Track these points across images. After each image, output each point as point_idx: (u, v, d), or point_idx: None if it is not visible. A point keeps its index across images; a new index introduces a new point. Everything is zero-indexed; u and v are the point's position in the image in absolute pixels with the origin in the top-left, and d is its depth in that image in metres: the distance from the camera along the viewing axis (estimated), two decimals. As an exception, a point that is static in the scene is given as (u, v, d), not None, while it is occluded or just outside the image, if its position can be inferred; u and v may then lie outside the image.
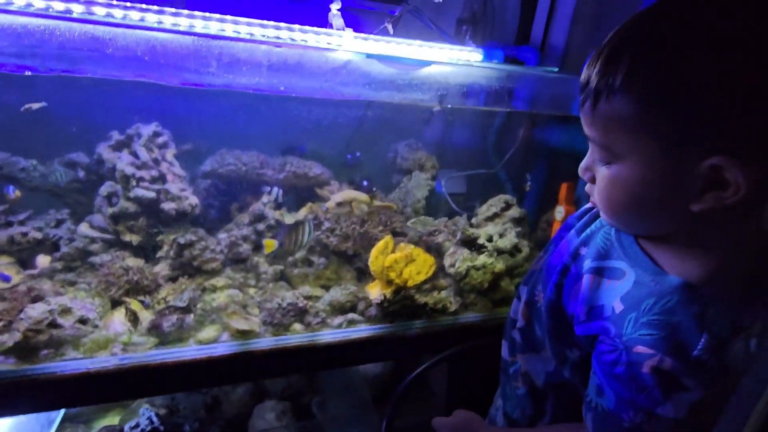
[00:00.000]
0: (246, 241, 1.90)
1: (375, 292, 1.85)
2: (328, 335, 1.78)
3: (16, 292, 1.51)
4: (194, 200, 1.80)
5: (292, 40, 1.40)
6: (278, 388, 2.60)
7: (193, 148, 1.98)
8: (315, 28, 1.53)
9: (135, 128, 1.76)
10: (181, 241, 1.74)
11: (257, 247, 1.95)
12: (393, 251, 1.82)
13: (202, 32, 1.25)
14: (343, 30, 1.71)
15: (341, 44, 1.53)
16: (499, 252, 1.95)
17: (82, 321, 1.52)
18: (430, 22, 2.12)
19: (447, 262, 1.95)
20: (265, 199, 1.92)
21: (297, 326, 1.76)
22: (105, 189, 1.74)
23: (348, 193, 1.97)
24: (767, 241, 0.77)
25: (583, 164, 0.85)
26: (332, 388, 2.69)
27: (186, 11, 1.25)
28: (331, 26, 1.79)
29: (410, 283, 1.84)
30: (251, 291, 1.88)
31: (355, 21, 1.78)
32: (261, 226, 1.92)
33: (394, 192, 2.19)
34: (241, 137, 2.01)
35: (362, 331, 1.82)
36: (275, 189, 1.80)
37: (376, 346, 1.84)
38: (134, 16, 1.20)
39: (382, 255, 1.78)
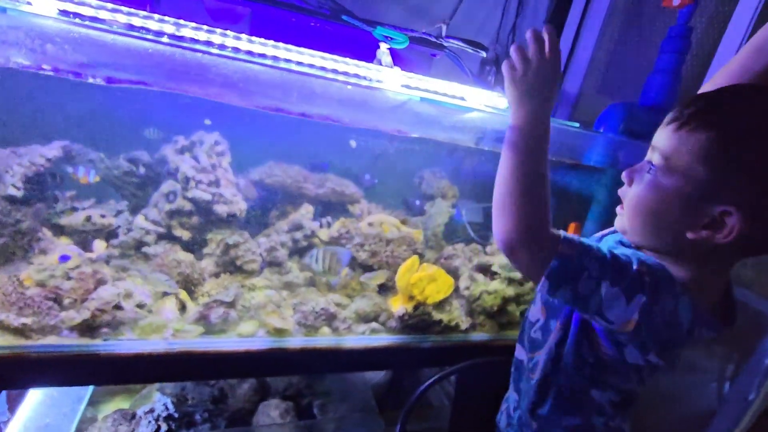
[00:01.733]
0: (283, 247, 2.09)
1: (397, 305, 2.04)
2: (352, 340, 1.96)
3: (83, 274, 1.66)
4: (243, 205, 1.98)
5: (357, 75, 1.61)
6: (281, 387, 2.74)
7: (243, 157, 2.17)
8: (375, 66, 1.75)
9: (199, 135, 1.95)
10: (230, 241, 1.92)
11: (292, 253, 2.13)
12: (418, 271, 2.03)
13: (290, 68, 1.47)
14: (392, 68, 1.95)
15: (392, 81, 1.75)
16: (510, 280, 2.17)
17: (140, 305, 1.68)
18: (464, 67, 2.37)
19: (462, 284, 2.16)
20: (303, 210, 2.11)
21: (325, 329, 1.94)
22: (166, 187, 1.91)
23: (380, 216, 2.17)
24: (727, 287, 1.03)
25: (631, 168, 1.04)
26: (332, 391, 2.83)
27: (282, 45, 1.47)
28: (380, 63, 2.03)
29: (429, 301, 2.04)
30: (284, 293, 2.05)
31: (397, 59, 2.01)
32: (298, 235, 2.10)
33: (419, 216, 2.40)
34: (287, 154, 2.21)
35: (383, 339, 2.01)
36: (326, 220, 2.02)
37: (394, 355, 2.02)
38: (232, 43, 1.41)
39: (408, 272, 1.98)
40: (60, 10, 1.35)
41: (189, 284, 1.86)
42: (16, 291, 1.50)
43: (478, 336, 2.17)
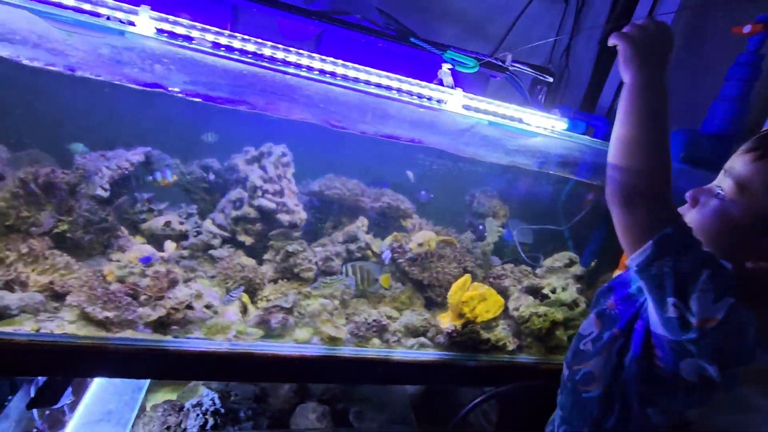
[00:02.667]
0: (337, 257, 2.15)
1: (446, 321, 2.07)
2: (400, 353, 2.00)
3: (158, 273, 1.77)
4: (304, 215, 2.07)
5: (423, 96, 1.66)
6: (318, 390, 2.80)
7: (303, 169, 2.26)
8: (442, 88, 1.80)
9: (267, 147, 2.05)
10: (290, 249, 2.00)
11: (344, 263, 2.20)
12: (469, 289, 2.05)
13: (368, 90, 1.53)
14: (453, 88, 1.99)
15: (455, 102, 1.80)
16: (560, 303, 2.16)
17: (208, 306, 1.78)
18: (524, 90, 2.39)
19: (511, 305, 2.17)
20: (359, 223, 2.18)
21: (376, 341, 1.99)
22: (234, 194, 2.01)
23: (426, 234, 2.21)
24: None
25: (698, 189, 1.05)
26: (369, 398, 2.86)
27: (362, 68, 1.54)
28: (441, 83, 2.08)
29: (479, 320, 2.05)
30: (336, 302, 2.12)
31: (457, 80, 2.05)
32: (353, 247, 2.17)
33: (466, 233, 2.42)
34: (345, 167, 2.29)
35: (430, 354, 2.03)
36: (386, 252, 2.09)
37: (440, 371, 2.05)
38: (318, 65, 1.49)
39: (460, 290, 2.01)
40: (157, 29, 1.47)
41: (251, 288, 1.95)
42: (101, 286, 1.62)
43: (524, 358, 2.17)
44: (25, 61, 1.19)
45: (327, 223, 2.28)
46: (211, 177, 2.07)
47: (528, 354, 2.17)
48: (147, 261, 1.83)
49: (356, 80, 1.55)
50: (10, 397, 2.01)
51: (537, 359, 2.17)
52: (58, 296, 1.63)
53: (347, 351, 1.93)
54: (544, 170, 1.81)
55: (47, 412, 2.11)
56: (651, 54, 1.02)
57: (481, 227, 2.31)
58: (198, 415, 2.40)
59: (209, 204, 2.13)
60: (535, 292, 2.15)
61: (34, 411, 2.02)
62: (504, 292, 2.24)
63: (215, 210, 2.09)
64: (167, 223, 1.88)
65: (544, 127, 2.00)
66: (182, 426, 2.38)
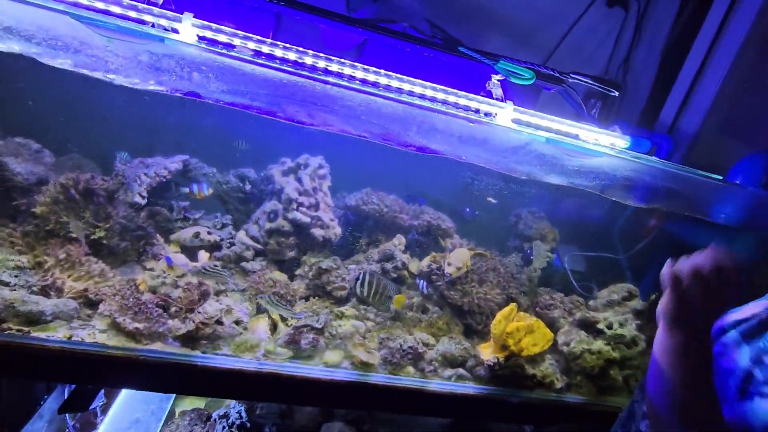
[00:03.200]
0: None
1: (488, 353, 1.90)
2: (436, 384, 1.84)
3: (190, 284, 1.73)
4: (339, 231, 1.97)
5: (471, 110, 1.52)
6: (343, 410, 2.68)
7: (340, 182, 2.18)
8: (493, 101, 1.66)
9: (304, 158, 1.97)
10: (323, 266, 1.91)
11: (380, 283, 2.08)
12: (514, 319, 1.87)
13: (414, 102, 1.42)
14: (503, 101, 1.84)
15: (506, 116, 1.65)
16: (617, 341, 1.94)
17: (237, 322, 1.71)
18: (579, 103, 2.20)
19: (561, 339, 1.97)
20: (396, 241, 2.05)
21: (410, 369, 1.85)
22: (269, 206, 1.95)
23: (461, 254, 2.04)
24: None
25: None
26: (395, 422, 2.71)
27: (407, 78, 1.43)
28: (489, 95, 1.93)
29: (524, 353, 1.87)
30: (369, 324, 2.00)
31: (507, 93, 1.90)
32: (388, 266, 2.05)
33: (509, 256, 2.25)
34: (384, 182, 2.18)
35: (469, 388, 1.87)
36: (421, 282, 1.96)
37: (479, 405, 1.87)
38: (360, 75, 1.40)
39: (505, 320, 1.84)
40: (199, 37, 1.43)
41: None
42: (133, 296, 1.59)
43: (573, 398, 1.95)
44: (67, 67, 1.17)
45: (362, 239, 2.18)
46: (248, 187, 2.02)
47: (577, 393, 1.96)
48: (169, 261, 1.79)
49: (400, 91, 1.45)
50: (45, 397, 2.03)
51: (587, 400, 1.96)
52: (91, 304, 1.61)
53: (380, 378, 1.80)
54: (607, 195, 1.62)
55: (75, 424, 2.12)
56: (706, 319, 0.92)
57: (528, 251, 2.13)
58: (224, 427, 2.34)
59: (244, 214, 2.09)
60: (588, 326, 1.94)
61: (68, 420, 2.03)
62: (553, 324, 2.05)
63: (250, 221, 2.04)
64: (196, 234, 1.83)
65: (603, 145, 1.82)
66: (208, 438, 2.34)
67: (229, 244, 1.96)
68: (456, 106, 1.61)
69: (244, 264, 1.95)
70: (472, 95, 1.66)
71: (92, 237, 1.67)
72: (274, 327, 1.83)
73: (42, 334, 1.50)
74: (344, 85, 1.34)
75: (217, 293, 1.80)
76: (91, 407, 2.16)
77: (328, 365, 1.77)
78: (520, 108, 1.73)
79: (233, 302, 1.72)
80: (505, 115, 1.66)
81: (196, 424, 2.41)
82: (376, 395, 1.79)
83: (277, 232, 1.95)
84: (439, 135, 1.46)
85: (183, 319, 1.64)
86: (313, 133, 1.96)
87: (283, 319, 1.87)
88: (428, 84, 1.56)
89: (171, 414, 2.44)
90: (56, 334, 1.51)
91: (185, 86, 1.26)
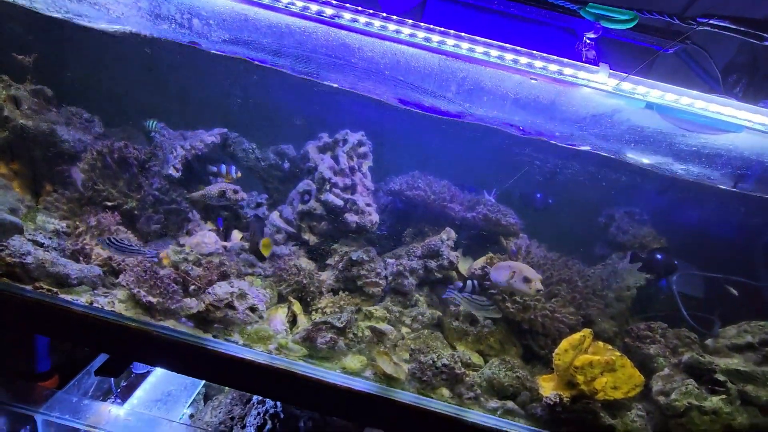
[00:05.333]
0: (412, 275, 1.74)
1: (549, 388, 1.48)
2: (476, 416, 1.48)
3: (211, 264, 1.63)
4: (375, 218, 1.71)
5: (550, 71, 1.12)
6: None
7: (382, 162, 1.91)
8: (571, 61, 1.24)
9: (343, 134, 1.75)
10: (354, 257, 1.67)
11: (422, 283, 1.77)
12: (588, 350, 1.42)
13: (452, 51, 1.08)
14: (596, 64, 1.39)
15: (597, 82, 1.21)
16: (746, 401, 1.36)
17: (252, 309, 1.56)
18: (708, 73, 1.61)
19: (657, 385, 1.45)
20: (444, 235, 1.72)
21: (445, 391, 1.52)
22: (302, 186, 1.77)
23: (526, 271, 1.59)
24: None
25: None
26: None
27: (439, 28, 1.10)
28: (579, 58, 1.48)
29: (600, 396, 1.41)
30: (404, 330, 1.71)
31: (607, 55, 1.42)
32: (432, 264, 1.73)
33: (595, 267, 1.75)
34: (434, 163, 1.84)
35: (519, 428, 1.47)
36: (469, 282, 1.59)
37: (530, 453, 1.47)
38: (384, 25, 1.09)
39: (573, 350, 1.40)
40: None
41: (305, 295, 1.67)
42: (151, 269, 1.53)
43: (669, 468, 1.43)
44: (70, 17, 1.08)
45: (407, 230, 1.88)
46: (286, 165, 1.86)
47: (677, 464, 1.43)
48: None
49: (441, 44, 1.12)
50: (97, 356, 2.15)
51: (692, 476, 1.41)
52: (115, 273, 1.60)
53: (405, 396, 1.50)
54: (746, 191, 1.09)
55: (123, 383, 2.21)
56: None
57: (621, 263, 1.62)
58: (259, 413, 2.27)
59: (282, 194, 1.93)
60: (700, 373, 1.40)
61: (112, 380, 2.12)
62: (646, 363, 1.53)
63: (286, 202, 1.88)
64: (221, 193, 1.70)
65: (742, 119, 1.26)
66: (244, 421, 2.29)
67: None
68: (526, 72, 1.23)
69: (274, 248, 1.80)
70: (549, 56, 1.26)
71: (125, 207, 1.65)
72: (293, 319, 1.64)
73: (68, 297, 1.51)
74: (362, 30, 1.07)
75: (240, 275, 1.68)
76: (139, 371, 2.25)
77: (346, 371, 1.53)
78: (619, 73, 1.28)
79: (249, 287, 1.57)
80: (597, 80, 1.24)
81: (236, 405, 2.38)
82: (401, 415, 1.50)
83: (309, 215, 1.76)
84: (486, 96, 1.10)
85: (197, 299, 1.54)
86: (370, 106, 1.70)
87: (307, 311, 1.68)
88: (484, 40, 1.21)
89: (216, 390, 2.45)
90: (80, 298, 1.51)
91: (185, 36, 1.10)
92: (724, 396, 1.37)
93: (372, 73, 1.10)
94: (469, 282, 1.58)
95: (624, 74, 1.30)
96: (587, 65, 1.30)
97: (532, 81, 1.05)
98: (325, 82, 1.17)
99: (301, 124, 1.96)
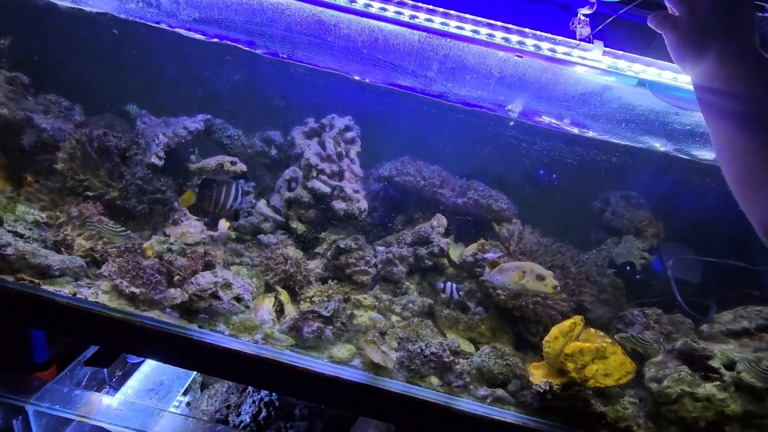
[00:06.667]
0: (402, 262, 1.70)
1: (539, 375, 1.45)
2: (465, 404, 1.46)
3: (195, 253, 1.60)
4: (364, 205, 1.67)
5: (537, 48, 1.07)
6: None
7: (372, 148, 1.86)
8: (562, 38, 1.18)
9: (330, 119, 1.70)
10: (342, 245, 1.63)
11: (412, 271, 1.74)
12: (579, 337, 1.39)
13: (432, 27, 1.02)
14: (590, 41, 1.32)
15: (590, 59, 1.16)
16: (740, 388, 1.33)
17: (238, 299, 1.54)
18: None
19: (649, 372, 1.43)
20: (435, 222, 1.68)
21: (434, 380, 1.50)
22: (288, 173, 1.73)
23: (530, 266, 1.53)
24: None
25: None
26: None
27: (424, 5, 1.03)
28: (573, 35, 1.41)
29: (590, 384, 1.38)
30: (394, 318, 1.68)
31: (606, 34, 1.35)
32: (423, 251, 1.69)
33: (589, 252, 1.71)
34: (424, 148, 1.79)
35: (509, 415, 1.45)
36: (449, 285, 1.56)
37: (521, 440, 1.45)
38: (368, 2, 1.04)
39: (563, 337, 1.37)
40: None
41: (293, 285, 1.65)
42: (134, 259, 1.50)
43: (661, 454, 1.42)
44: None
45: (397, 217, 1.84)
46: (273, 152, 1.82)
47: (669, 450, 1.41)
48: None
49: (422, 20, 1.05)
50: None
51: (684, 463, 1.40)
52: (98, 263, 1.57)
53: (393, 385, 1.48)
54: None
55: (119, 372, 2.21)
56: (733, 17, 0.73)
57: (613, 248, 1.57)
58: (254, 401, 2.28)
59: (270, 182, 1.89)
60: (693, 359, 1.37)
61: (105, 370, 2.12)
62: (639, 351, 1.50)
63: (274, 190, 1.84)
64: (220, 165, 1.65)
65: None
66: (239, 409, 2.30)
67: (246, 214, 1.79)
68: (512, 49, 1.17)
69: (261, 236, 1.77)
70: (541, 33, 1.20)
71: (106, 197, 1.62)
72: (281, 309, 1.62)
73: (51, 288, 1.49)
74: (339, 6, 1.01)
75: (226, 265, 1.65)
76: (130, 362, 2.25)
77: (333, 360, 1.51)
78: (614, 51, 1.22)
79: (232, 276, 1.54)
80: (591, 58, 1.18)
81: (232, 393, 2.39)
82: (389, 404, 1.49)
83: (296, 203, 1.72)
84: (470, 75, 1.05)
85: (181, 290, 1.51)
86: (366, 90, 1.63)
87: (295, 301, 1.66)
88: (470, 15, 1.14)
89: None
90: (64, 289, 1.49)
91: (152, 15, 1.05)
92: (717, 383, 1.34)
93: (350, 52, 1.04)
94: (448, 285, 1.56)
95: (620, 52, 1.24)
96: (581, 42, 1.24)
97: (517, 58, 1.00)
98: (302, 63, 1.11)
99: (280, 105, 1.90)
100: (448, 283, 1.55)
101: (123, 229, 1.47)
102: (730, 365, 1.35)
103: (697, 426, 1.37)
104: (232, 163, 1.69)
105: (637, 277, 1.62)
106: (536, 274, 1.34)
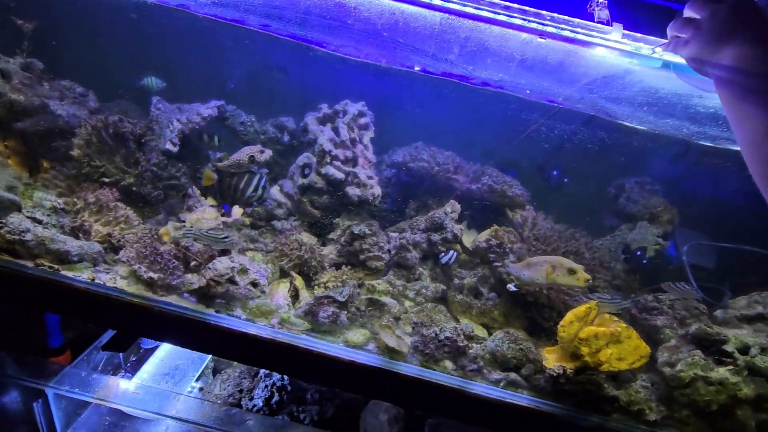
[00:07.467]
0: (416, 248, 1.71)
1: (553, 359, 1.47)
2: (479, 388, 1.48)
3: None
4: (378, 191, 1.67)
5: (559, 29, 1.06)
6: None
7: (385, 134, 1.85)
8: (581, 21, 1.17)
9: (343, 105, 1.69)
10: (356, 230, 1.64)
11: (426, 257, 1.74)
12: (593, 322, 1.40)
13: (455, 9, 1.01)
14: (609, 24, 1.31)
15: (609, 41, 1.14)
16: (754, 372, 1.34)
17: (254, 284, 1.55)
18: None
19: (663, 356, 1.44)
20: (448, 208, 1.68)
21: (448, 364, 1.52)
22: (302, 159, 1.73)
23: (556, 261, 1.52)
24: None
25: None
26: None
27: None
28: (592, 18, 1.39)
29: (604, 368, 1.40)
30: (407, 304, 1.70)
31: (627, 17, 1.34)
32: (436, 237, 1.70)
33: (603, 238, 1.71)
34: (438, 133, 1.79)
35: (522, 399, 1.47)
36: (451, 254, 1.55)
37: (533, 422, 1.48)
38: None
39: (579, 322, 1.38)
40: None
41: (307, 270, 1.66)
42: (151, 245, 1.51)
43: (672, 437, 1.43)
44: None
45: (411, 203, 1.84)
46: (286, 138, 1.81)
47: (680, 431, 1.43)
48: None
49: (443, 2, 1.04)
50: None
51: (695, 444, 1.42)
52: (115, 249, 1.59)
53: (408, 369, 1.50)
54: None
55: (133, 357, 2.25)
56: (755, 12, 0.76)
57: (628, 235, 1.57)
58: (266, 386, 2.32)
59: (283, 168, 1.90)
60: (707, 344, 1.38)
61: (120, 354, 2.15)
62: (653, 335, 1.51)
63: (286, 176, 1.84)
64: (251, 159, 1.64)
65: None
66: (252, 393, 2.34)
67: (261, 200, 1.79)
68: (534, 31, 1.16)
69: (275, 222, 1.77)
70: (559, 15, 1.19)
71: (122, 183, 1.63)
72: (296, 294, 1.63)
73: (70, 273, 1.51)
74: (359, -11, 1.00)
75: (241, 251, 1.66)
76: (143, 347, 2.29)
77: (348, 345, 1.53)
78: (633, 34, 1.21)
79: (248, 262, 1.55)
80: (609, 40, 1.16)
81: (245, 378, 2.42)
82: (404, 388, 1.51)
83: (310, 189, 1.73)
84: (491, 59, 1.04)
85: (198, 275, 1.53)
86: (382, 74, 1.61)
87: (309, 286, 1.67)
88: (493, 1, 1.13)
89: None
90: (82, 274, 1.51)
91: (171, -1, 1.04)
92: (731, 367, 1.35)
93: (369, 35, 1.03)
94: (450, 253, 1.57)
95: (639, 35, 1.23)
96: (599, 25, 1.22)
97: (540, 41, 0.99)
98: (322, 47, 1.10)
99: (280, 78, 1.88)
100: (450, 252, 1.57)
101: (225, 235, 1.47)
102: (744, 350, 1.36)
103: (709, 409, 1.38)
104: (261, 152, 1.68)
105: (645, 262, 1.63)
106: (567, 268, 1.34)
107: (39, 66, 1.64)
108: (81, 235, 1.56)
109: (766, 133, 0.73)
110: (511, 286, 1.52)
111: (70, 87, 1.71)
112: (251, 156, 1.68)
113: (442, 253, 1.62)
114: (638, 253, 1.61)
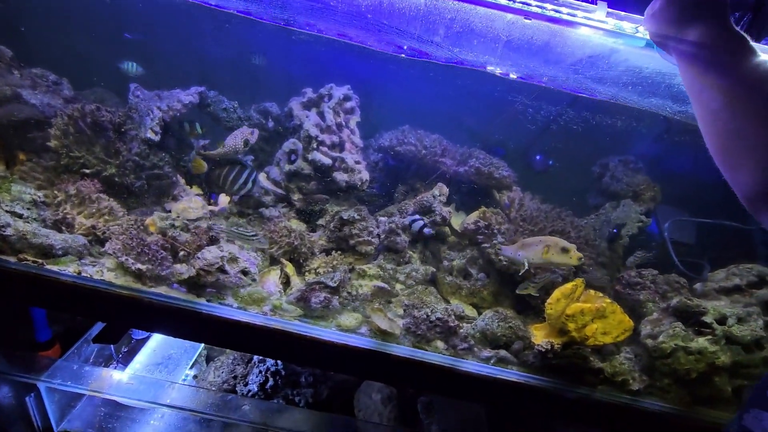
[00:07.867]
0: (405, 232, 1.72)
1: (540, 335, 1.51)
2: (471, 365, 1.52)
3: (199, 229, 1.60)
4: (366, 176, 1.67)
5: (543, 9, 1.05)
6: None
7: (371, 117, 1.83)
8: (577, 3, 1.16)
9: (328, 89, 1.66)
10: (345, 216, 1.64)
11: (415, 240, 1.76)
12: (579, 298, 1.44)
13: (438, -10, 0.99)
14: (593, 3, 1.30)
15: (595, 20, 1.14)
16: (731, 341, 1.41)
17: (244, 272, 1.55)
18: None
19: (645, 329, 1.49)
20: (437, 191, 1.69)
21: (439, 344, 1.55)
22: (288, 145, 1.71)
23: (551, 241, 1.53)
24: None
25: None
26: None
27: None
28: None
29: (590, 342, 1.45)
30: (398, 287, 1.72)
31: None
32: (425, 220, 1.70)
33: (588, 217, 1.74)
34: (425, 116, 1.78)
35: (512, 374, 1.52)
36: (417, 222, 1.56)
37: (523, 396, 1.53)
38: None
39: (565, 299, 1.42)
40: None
41: (297, 257, 1.66)
42: (138, 236, 1.49)
43: (652, 404, 1.50)
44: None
45: (399, 187, 1.84)
46: (270, 124, 1.78)
47: (660, 399, 1.51)
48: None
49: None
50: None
51: (673, 409, 1.49)
52: (101, 241, 1.56)
53: (400, 350, 1.53)
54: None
55: (124, 348, 2.24)
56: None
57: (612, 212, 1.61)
58: (261, 371, 2.34)
59: (269, 155, 1.87)
60: (688, 316, 1.43)
61: (112, 347, 2.14)
62: (636, 309, 1.56)
63: (272, 163, 1.82)
64: (246, 142, 1.60)
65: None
66: (246, 379, 2.35)
67: (248, 187, 1.77)
68: (519, 11, 1.15)
69: (263, 210, 1.76)
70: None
71: (104, 174, 1.59)
72: (287, 281, 1.64)
73: (55, 267, 1.48)
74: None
75: (230, 239, 1.65)
76: (134, 338, 2.28)
77: (341, 328, 1.55)
78: (617, 12, 1.20)
79: (238, 250, 1.55)
80: (596, 19, 1.16)
81: (238, 364, 2.44)
82: (397, 368, 1.54)
83: (297, 176, 1.71)
84: (477, 40, 1.03)
85: (187, 265, 1.52)
86: (366, 57, 1.58)
87: (300, 273, 1.68)
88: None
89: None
90: (68, 268, 1.48)
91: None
92: (709, 337, 1.41)
93: (353, 17, 1.01)
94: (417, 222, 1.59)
95: (623, 13, 1.23)
96: (583, 3, 1.22)
97: (526, 21, 0.98)
98: (304, 30, 1.08)
99: (260, 63, 1.83)
100: (418, 220, 1.60)
101: (254, 233, 1.44)
102: (722, 320, 1.42)
103: (688, 377, 1.45)
104: (251, 133, 1.64)
105: (621, 241, 1.67)
106: (560, 247, 1.38)
107: (8, 53, 1.57)
108: (64, 228, 1.52)
109: (722, 106, 0.76)
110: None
111: (42, 75, 1.64)
112: (246, 140, 1.65)
113: (413, 222, 1.63)
114: (614, 231, 1.65)
